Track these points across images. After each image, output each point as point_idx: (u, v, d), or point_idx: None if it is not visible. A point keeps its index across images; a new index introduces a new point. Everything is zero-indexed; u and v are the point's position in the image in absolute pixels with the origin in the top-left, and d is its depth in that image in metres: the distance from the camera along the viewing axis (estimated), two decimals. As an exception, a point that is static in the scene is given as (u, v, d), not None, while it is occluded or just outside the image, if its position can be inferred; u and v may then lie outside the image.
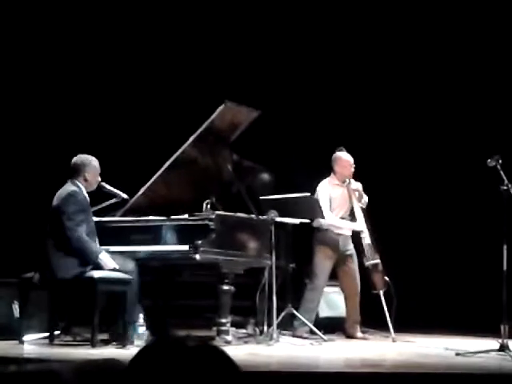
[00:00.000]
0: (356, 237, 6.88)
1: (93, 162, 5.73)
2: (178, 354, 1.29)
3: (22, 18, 7.93)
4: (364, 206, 6.93)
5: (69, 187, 5.64)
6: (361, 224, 6.84)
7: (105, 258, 5.52)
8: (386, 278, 6.73)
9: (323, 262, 6.79)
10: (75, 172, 5.69)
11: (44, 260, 5.54)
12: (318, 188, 6.80)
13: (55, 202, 5.62)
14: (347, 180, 6.87)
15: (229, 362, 1.32)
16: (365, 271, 6.81)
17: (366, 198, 6.93)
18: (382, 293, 6.64)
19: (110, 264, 5.51)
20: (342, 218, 6.86)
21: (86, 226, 5.56)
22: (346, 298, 6.99)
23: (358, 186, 6.90)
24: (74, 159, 5.73)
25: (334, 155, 6.88)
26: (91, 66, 8.18)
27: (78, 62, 8.15)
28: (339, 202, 6.86)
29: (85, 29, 8.16)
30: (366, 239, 6.82)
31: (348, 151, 6.87)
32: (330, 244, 6.80)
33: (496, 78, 8.17)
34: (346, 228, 6.86)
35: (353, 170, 6.86)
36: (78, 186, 5.64)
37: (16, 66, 7.80)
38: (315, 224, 6.77)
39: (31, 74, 7.93)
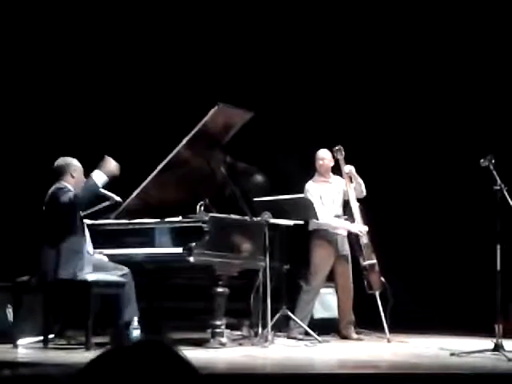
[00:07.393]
0: (353, 236, 6.87)
1: (74, 161, 5.74)
2: (131, 362, 1.24)
3: (21, 17, 7.91)
4: (363, 192, 6.89)
5: (56, 185, 5.63)
6: (358, 224, 6.82)
7: (97, 174, 5.53)
8: (383, 279, 6.73)
9: (322, 263, 6.78)
10: (60, 173, 5.67)
11: (41, 261, 5.53)
12: (305, 188, 6.79)
13: (46, 200, 5.62)
14: (344, 167, 6.84)
15: (186, 367, 1.28)
16: (361, 271, 6.81)
17: (361, 181, 6.88)
18: (377, 293, 6.64)
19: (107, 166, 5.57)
20: (337, 216, 6.87)
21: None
22: (339, 299, 6.97)
23: (350, 168, 6.88)
24: (56, 162, 5.72)
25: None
26: (84, 71, 8.16)
27: (68, 67, 8.12)
28: (330, 197, 6.86)
29: (78, 33, 8.14)
30: (364, 238, 6.82)
31: (344, 151, 6.87)
32: (329, 244, 6.79)
33: (489, 78, 8.19)
34: (342, 228, 6.85)
35: (329, 163, 6.88)
36: (66, 186, 5.62)
37: (14, 69, 7.77)
38: (311, 227, 6.76)
39: (26, 78, 7.90)
